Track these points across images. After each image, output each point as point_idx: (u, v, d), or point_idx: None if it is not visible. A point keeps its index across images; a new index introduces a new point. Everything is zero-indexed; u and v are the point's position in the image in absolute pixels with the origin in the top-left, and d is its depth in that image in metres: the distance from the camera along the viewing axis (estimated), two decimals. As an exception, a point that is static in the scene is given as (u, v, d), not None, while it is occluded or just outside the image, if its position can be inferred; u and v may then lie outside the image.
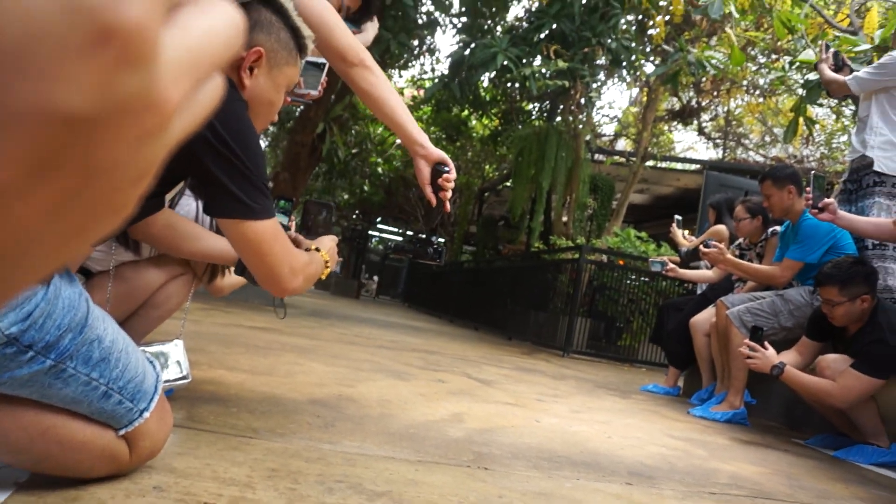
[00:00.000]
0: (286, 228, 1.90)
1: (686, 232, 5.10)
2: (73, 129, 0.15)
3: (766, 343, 2.91)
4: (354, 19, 2.31)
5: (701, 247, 3.73)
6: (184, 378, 1.71)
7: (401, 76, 13.19)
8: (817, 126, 10.85)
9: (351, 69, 1.75)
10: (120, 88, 0.16)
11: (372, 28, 2.38)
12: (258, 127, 1.22)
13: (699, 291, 4.75)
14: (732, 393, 3.30)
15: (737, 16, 7.78)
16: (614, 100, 26.83)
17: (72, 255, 0.18)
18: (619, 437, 2.26)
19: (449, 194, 1.83)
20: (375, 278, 22.25)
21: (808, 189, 2.95)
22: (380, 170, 15.68)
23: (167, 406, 1.09)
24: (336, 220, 20.35)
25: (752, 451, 2.46)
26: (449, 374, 3.23)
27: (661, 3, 9.17)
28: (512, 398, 2.74)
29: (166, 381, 1.50)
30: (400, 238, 24.03)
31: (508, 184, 12.28)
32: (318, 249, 1.41)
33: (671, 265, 4.56)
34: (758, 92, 12.00)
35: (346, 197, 17.02)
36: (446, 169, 1.77)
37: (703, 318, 3.94)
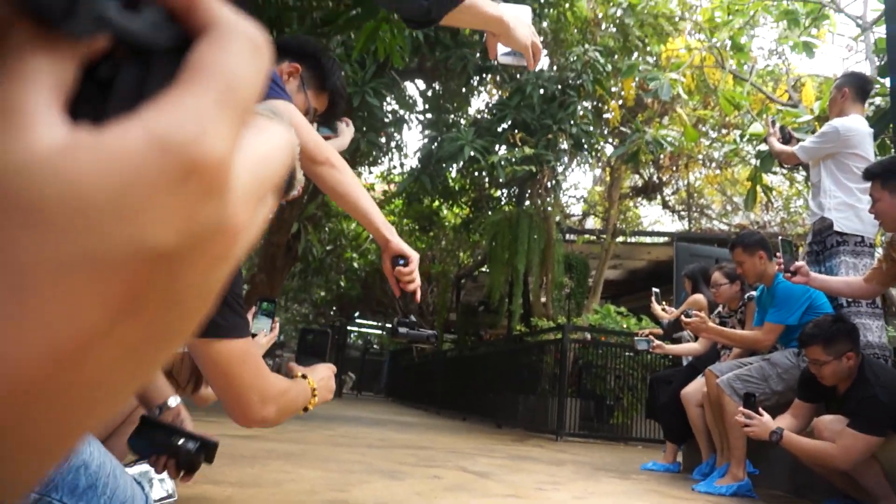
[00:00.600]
0: (269, 331, 1.87)
1: (665, 304, 5.16)
2: (161, 264, 0.16)
3: (760, 409, 2.88)
4: (323, 122, 2.39)
5: (682, 317, 3.76)
6: (169, 497, 1.62)
7: (370, 172, 13.50)
8: (774, 193, 11.30)
9: (318, 167, 1.78)
10: (202, 219, 0.16)
11: (348, 132, 2.47)
12: None
13: (685, 363, 4.74)
14: (734, 464, 3.23)
15: (685, 97, 8.27)
16: (579, 181, 27.78)
17: (133, 391, 0.18)
18: (627, 521, 2.17)
19: (412, 286, 1.84)
20: (352, 375, 21.79)
21: (777, 255, 3.03)
22: (355, 264, 15.74)
23: (157, 530, 1.02)
24: (313, 318, 20.14)
25: (763, 524, 2.38)
26: (443, 470, 3.11)
27: (613, 90, 9.73)
28: (511, 489, 2.64)
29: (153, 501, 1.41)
30: (380, 331, 23.77)
31: (484, 269, 12.40)
32: (304, 377, 1.26)
33: (657, 342, 4.57)
34: (714, 164, 12.55)
35: (322, 294, 16.95)
36: (401, 262, 1.80)
37: (694, 388, 3.91)
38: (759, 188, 7.28)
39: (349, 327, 22.56)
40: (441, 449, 4.22)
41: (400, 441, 4.59)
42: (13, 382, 0.14)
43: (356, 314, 20.35)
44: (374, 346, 26.97)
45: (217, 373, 1.01)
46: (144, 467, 1.47)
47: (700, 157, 12.20)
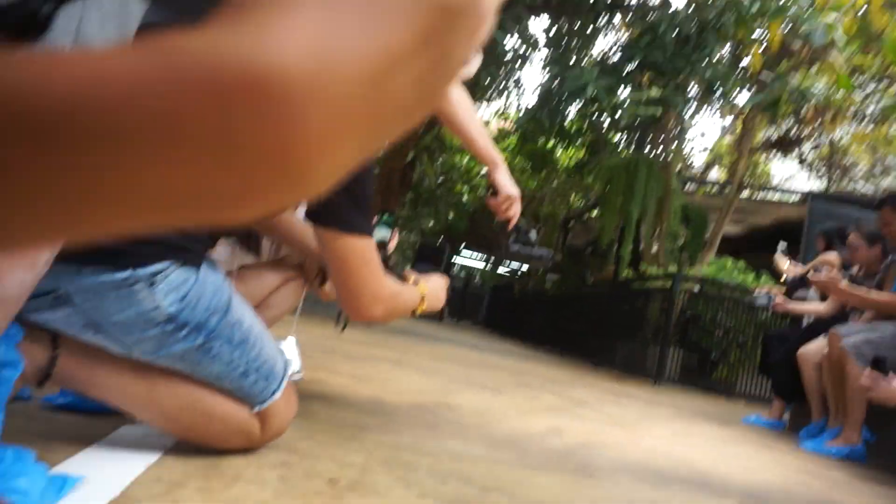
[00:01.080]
0: (384, 243, 1.96)
1: (790, 261, 4.83)
2: (449, 17, 0.21)
3: (890, 374, 2.69)
4: None
5: (811, 273, 3.53)
6: (297, 373, 1.79)
7: (487, 108, 13.37)
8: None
9: None
10: None
11: (476, 60, 2.46)
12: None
13: (805, 323, 4.47)
14: (849, 428, 3.06)
15: (841, 43, 7.41)
16: (706, 131, 25.99)
17: (415, 120, 0.22)
18: (726, 461, 2.15)
19: (504, 216, 1.90)
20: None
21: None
22: (465, 198, 15.87)
23: (293, 390, 1.15)
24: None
25: (875, 487, 2.27)
26: (541, 392, 3.19)
27: (756, 34, 8.84)
28: (608, 418, 2.67)
29: (284, 374, 1.57)
30: (483, 265, 24.04)
31: (594, 213, 12.10)
32: (416, 283, 1.35)
33: (779, 298, 4.32)
34: (867, 119, 11.30)
35: (431, 224, 17.31)
36: (492, 192, 1.85)
37: (813, 349, 3.69)
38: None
39: (454, 259, 23.02)
40: (538, 376, 4.31)
41: (498, 364, 4.73)
42: (359, 67, 0.18)
43: (462, 246, 20.66)
44: (477, 280, 27.40)
45: (340, 265, 1.08)
46: (283, 344, 1.63)
47: (851, 110, 11.02)
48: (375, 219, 1.97)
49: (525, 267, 15.79)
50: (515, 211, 1.92)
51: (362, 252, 1.08)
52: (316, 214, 1.06)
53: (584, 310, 9.37)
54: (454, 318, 22.04)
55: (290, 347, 1.80)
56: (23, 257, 0.66)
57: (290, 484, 0.97)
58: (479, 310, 23.65)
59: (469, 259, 25.28)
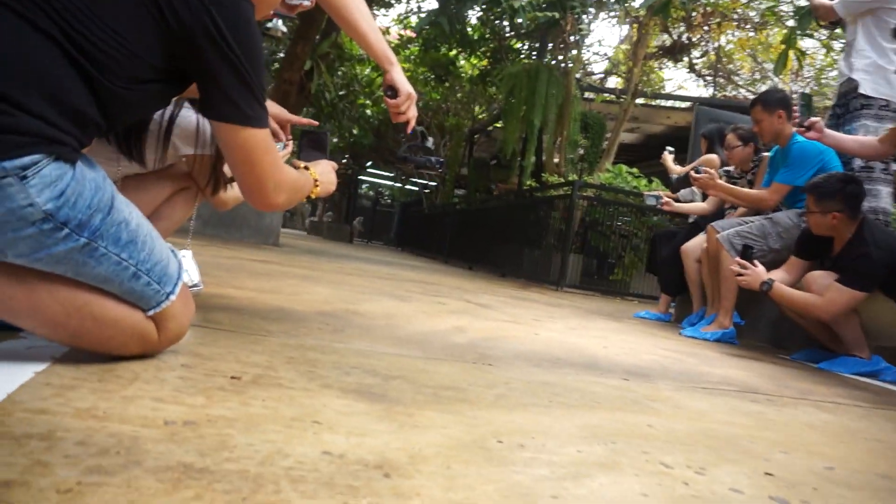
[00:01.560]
0: (283, 148, 1.92)
1: (675, 163, 5.14)
2: None
3: (755, 262, 2.99)
4: None
5: (692, 173, 3.78)
6: (196, 286, 1.76)
7: (386, 15, 12.85)
8: (807, 60, 10.76)
9: None
10: None
11: None
12: (258, 16, 1.21)
13: (690, 221, 4.82)
14: (722, 314, 3.41)
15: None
16: (604, 37, 26.30)
17: None
18: (614, 347, 2.35)
19: (402, 118, 1.91)
20: (360, 218, 22.42)
21: (795, 108, 2.98)
22: (368, 112, 15.45)
23: (189, 293, 1.13)
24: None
25: (740, 361, 2.57)
26: (448, 299, 3.30)
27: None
28: (510, 317, 2.83)
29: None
30: (391, 182, 23.88)
31: (499, 125, 12.17)
32: (307, 169, 1.40)
33: (666, 199, 4.62)
34: (749, 26, 11.82)
35: (335, 141, 16.82)
36: (389, 93, 1.84)
37: (695, 244, 4.02)
38: (791, 53, 6.93)
39: (360, 177, 22.66)
40: (447, 286, 4.44)
41: (408, 277, 4.82)
42: None
43: (368, 164, 20.33)
44: (386, 198, 27.25)
45: (242, 158, 1.10)
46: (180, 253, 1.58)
47: (735, 16, 11.46)
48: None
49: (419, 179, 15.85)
50: (413, 112, 1.91)
51: (263, 142, 1.09)
52: (215, 109, 1.04)
53: (490, 222, 9.60)
54: (365, 239, 22.03)
55: (186, 260, 1.75)
56: None
57: (191, 382, 0.98)
58: (390, 228, 23.71)
59: (377, 178, 24.98)
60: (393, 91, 1.84)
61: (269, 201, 1.17)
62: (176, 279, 1.06)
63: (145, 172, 1.69)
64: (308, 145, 1.63)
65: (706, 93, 14.23)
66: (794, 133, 3.37)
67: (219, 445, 0.73)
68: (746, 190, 3.67)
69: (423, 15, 10.24)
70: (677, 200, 4.75)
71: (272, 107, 1.72)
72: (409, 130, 2.01)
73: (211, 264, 3.06)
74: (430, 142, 1.97)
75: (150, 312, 1.03)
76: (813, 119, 2.91)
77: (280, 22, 8.99)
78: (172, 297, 1.05)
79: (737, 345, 3.29)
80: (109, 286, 0.96)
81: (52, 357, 0.99)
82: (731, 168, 4.22)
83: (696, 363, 2.26)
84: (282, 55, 8.61)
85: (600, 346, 2.32)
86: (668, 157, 4.94)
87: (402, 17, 13.33)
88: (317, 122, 1.80)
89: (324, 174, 1.46)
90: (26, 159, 0.82)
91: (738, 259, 3.04)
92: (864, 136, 3.50)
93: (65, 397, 0.81)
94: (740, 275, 3.00)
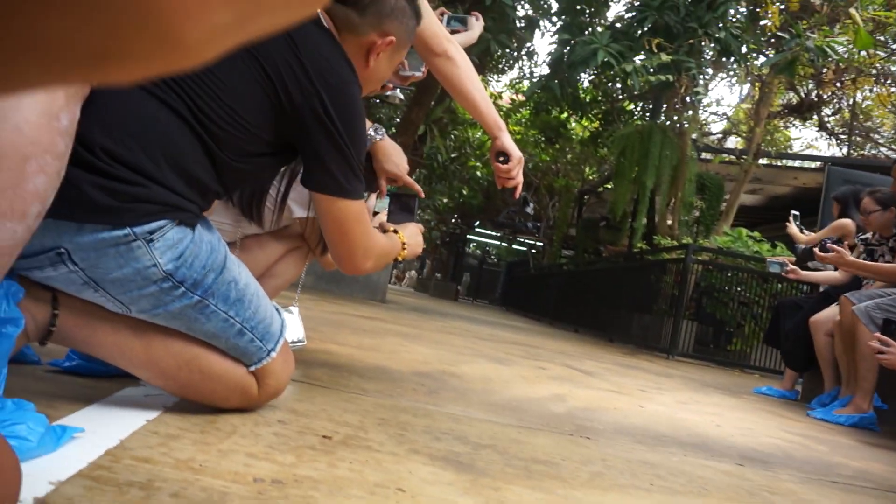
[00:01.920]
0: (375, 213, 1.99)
1: (801, 230, 4.78)
2: None
3: (898, 338, 2.68)
4: (459, 18, 2.42)
5: (816, 250, 3.50)
6: (300, 342, 1.83)
7: (499, 80, 13.25)
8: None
9: (435, 59, 1.83)
10: None
11: (477, 27, 2.46)
12: (364, 92, 1.29)
13: (821, 290, 4.43)
14: (860, 396, 3.06)
15: (862, -1, 7.21)
16: (723, 96, 25.53)
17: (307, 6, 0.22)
18: (729, 426, 2.16)
19: (511, 183, 1.92)
20: (466, 274, 22.59)
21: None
22: (478, 173, 15.80)
23: (290, 350, 1.18)
24: (435, 225, 20.71)
25: (881, 452, 2.28)
26: (549, 364, 3.22)
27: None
28: (614, 387, 2.69)
29: (286, 340, 1.61)
30: (497, 241, 24.05)
31: (609, 186, 12.00)
32: (396, 232, 1.47)
33: (791, 266, 4.29)
34: (889, 81, 10.99)
35: (444, 201, 17.29)
36: (501, 158, 1.85)
37: (826, 316, 3.67)
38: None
39: (469, 236, 23.02)
40: (549, 350, 4.34)
41: (510, 339, 4.76)
42: None
43: (476, 223, 20.65)
44: (492, 257, 27.43)
45: (335, 227, 1.18)
46: (285, 313, 1.66)
47: (873, 71, 10.71)
48: (374, 193, 2.00)
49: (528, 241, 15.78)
50: (520, 177, 1.93)
51: (356, 213, 1.17)
52: (314, 181, 1.13)
53: (598, 284, 9.35)
54: (470, 297, 22.15)
55: (292, 317, 1.84)
56: (11, 209, 0.69)
57: (284, 439, 1.00)
58: (496, 287, 23.73)
59: (484, 237, 25.27)
60: (505, 157, 1.87)
61: (357, 267, 1.25)
62: (278, 337, 1.11)
63: (263, 232, 1.81)
64: (398, 208, 1.70)
65: (839, 152, 13.28)
66: None
67: (301, 508, 0.74)
68: (884, 265, 3.33)
69: (535, 80, 10.45)
70: (805, 269, 4.39)
71: (399, 157, 1.80)
72: (516, 195, 2.03)
73: (317, 319, 3.18)
74: (530, 207, 1.98)
75: (252, 368, 1.08)
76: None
77: (398, 91, 9.54)
78: (273, 354, 1.09)
79: (878, 432, 2.92)
80: (217, 341, 1.02)
81: (164, 406, 1.06)
82: (868, 235, 3.86)
83: (826, 451, 2.03)
84: (398, 120, 9.07)
85: (713, 423, 2.14)
86: (793, 225, 4.61)
87: (514, 83, 13.70)
88: (422, 192, 1.86)
89: (411, 237, 1.51)
90: (154, 224, 0.90)
91: (877, 335, 2.74)
92: None
93: (168, 447, 0.86)
94: (881, 352, 2.69)
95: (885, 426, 3.13)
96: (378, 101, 9.39)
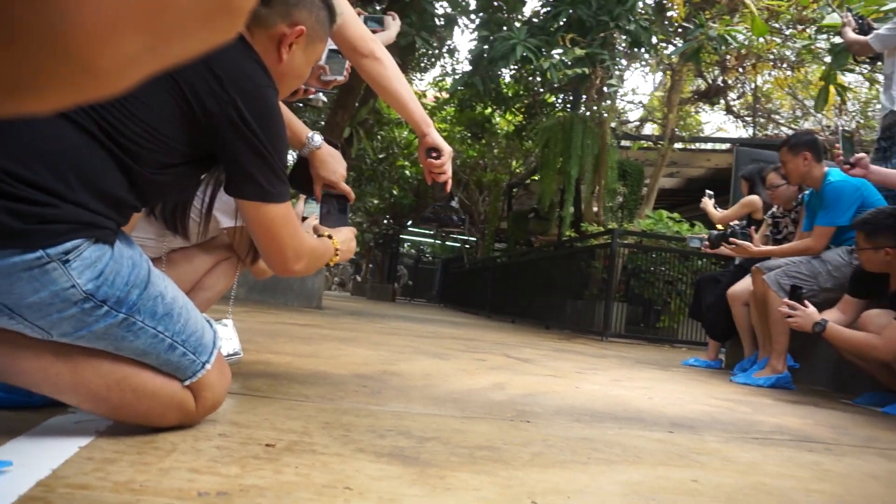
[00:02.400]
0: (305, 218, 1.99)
1: (715, 206, 5.05)
2: None
3: (805, 302, 2.89)
4: (376, 18, 2.43)
5: (724, 246, 3.75)
6: (236, 354, 1.80)
7: (422, 79, 13.30)
8: (850, 94, 10.57)
9: (362, 59, 1.84)
10: None
11: (395, 26, 2.48)
12: (283, 93, 1.28)
13: (736, 263, 4.70)
14: (774, 357, 3.27)
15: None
16: (638, 85, 26.54)
17: (218, 30, 0.23)
18: (660, 398, 2.28)
19: (443, 177, 1.96)
20: (403, 271, 22.54)
21: (837, 146, 2.93)
22: (407, 172, 15.81)
23: (225, 362, 1.17)
24: (367, 227, 20.56)
25: (797, 408, 2.45)
26: (488, 355, 3.28)
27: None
28: (551, 371, 2.78)
29: (221, 353, 1.58)
30: (431, 239, 24.13)
31: (536, 177, 12.26)
32: (330, 237, 1.49)
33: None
34: (785, 64, 11.73)
35: (375, 202, 17.20)
36: (434, 154, 1.89)
37: (741, 287, 3.90)
38: (832, 88, 6.83)
39: (402, 235, 22.98)
40: (488, 341, 4.41)
41: (448, 334, 4.81)
42: None
43: (409, 223, 20.65)
44: (427, 255, 27.49)
45: (262, 231, 1.19)
46: (220, 326, 1.63)
47: (770, 56, 11.39)
48: (303, 196, 1.99)
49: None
50: (450, 171, 1.96)
51: (282, 216, 1.18)
52: (237, 188, 1.13)
53: (532, 274, 9.56)
54: (407, 297, 22.13)
55: (227, 329, 1.81)
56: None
57: (227, 451, 1.00)
58: (433, 285, 23.80)
59: (418, 236, 25.29)
60: (437, 153, 1.89)
61: (288, 268, 1.26)
62: (211, 349, 1.10)
63: (189, 245, 1.77)
64: (332, 209, 1.71)
65: (746, 134, 14.07)
66: (827, 172, 3.31)
67: (248, 515, 0.74)
68: (791, 244, 3.57)
69: (457, 77, 10.55)
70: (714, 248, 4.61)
71: (336, 163, 1.79)
72: (447, 189, 2.06)
73: (253, 330, 3.13)
74: (454, 201, 2.02)
75: (187, 382, 1.06)
76: (858, 155, 2.84)
77: (321, 94, 9.42)
78: (208, 366, 1.08)
79: (793, 389, 3.14)
80: (147, 358, 1.00)
81: (97, 431, 1.03)
82: (774, 208, 4.13)
83: (748, 412, 2.17)
84: (322, 124, 8.97)
85: (645, 397, 2.25)
86: (708, 202, 4.87)
87: (437, 80, 13.77)
88: (353, 196, 1.86)
89: (344, 242, 1.53)
90: (68, 244, 0.88)
91: (786, 300, 2.94)
92: (911, 168, 3.40)
93: (105, 471, 0.84)
94: (790, 316, 2.89)
95: (799, 384, 3.37)
96: (301, 104, 9.23)
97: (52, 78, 0.19)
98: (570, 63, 7.78)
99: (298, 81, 1.32)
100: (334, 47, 2.17)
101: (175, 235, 1.71)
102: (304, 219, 1.92)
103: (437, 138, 1.92)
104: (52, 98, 0.20)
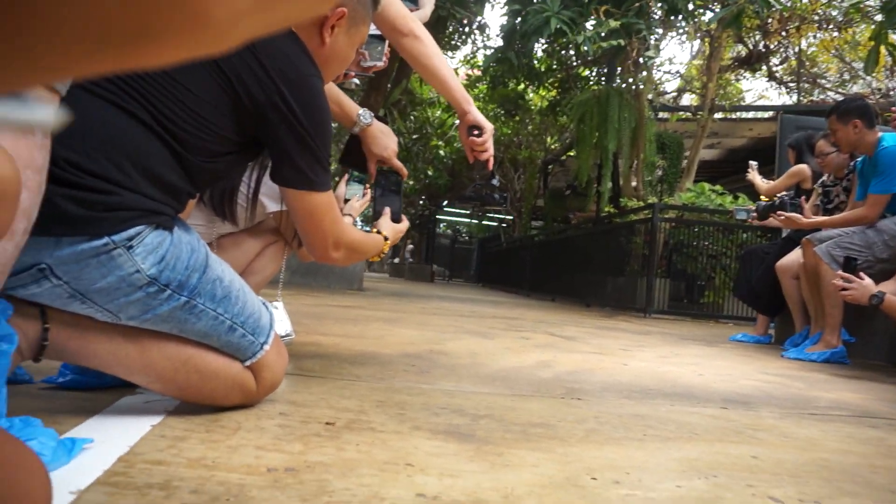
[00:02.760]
0: (361, 196, 2.00)
1: (762, 178, 4.90)
2: None
3: (860, 274, 2.79)
4: None
5: (772, 218, 3.64)
6: (288, 335, 1.84)
7: (453, 57, 13.16)
8: (903, 55, 10.08)
9: (402, 39, 1.83)
10: None
11: (429, 3, 2.46)
12: (328, 77, 1.29)
13: (783, 235, 4.57)
14: (828, 331, 3.19)
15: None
16: (675, 55, 25.77)
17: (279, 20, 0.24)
18: (710, 374, 2.24)
19: (485, 155, 1.93)
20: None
21: (893, 109, 2.80)
22: (442, 153, 15.76)
23: (282, 343, 1.19)
24: (404, 207, 20.65)
25: (853, 383, 2.39)
26: (532, 333, 3.28)
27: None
28: (597, 349, 2.77)
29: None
30: (467, 219, 24.10)
31: (572, 153, 12.09)
32: (385, 236, 1.54)
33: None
34: (832, 26, 11.24)
35: (411, 183, 17.23)
36: (476, 132, 1.86)
37: (790, 260, 3.80)
38: (882, 48, 6.53)
39: (438, 216, 23.01)
40: (530, 320, 4.41)
41: (490, 313, 4.82)
42: None
43: (444, 203, 20.65)
44: (464, 235, 27.49)
45: (305, 219, 1.21)
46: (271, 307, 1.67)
47: (815, 17, 10.93)
48: (346, 176, 2.01)
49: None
50: (492, 148, 1.95)
51: (325, 204, 1.19)
52: (281, 175, 1.14)
53: (570, 252, 9.48)
54: (445, 277, 22.22)
55: (278, 311, 1.84)
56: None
57: (289, 430, 1.02)
58: (469, 265, 23.82)
59: (454, 216, 25.28)
60: (479, 130, 1.87)
61: (328, 255, 1.28)
62: (268, 330, 1.13)
63: (238, 231, 1.80)
64: (385, 188, 1.72)
65: (790, 100, 13.57)
66: (881, 138, 3.18)
67: (318, 490, 0.76)
68: (842, 215, 3.45)
69: (489, 53, 10.43)
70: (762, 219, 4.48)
71: (387, 139, 1.82)
72: (490, 167, 2.04)
73: (300, 313, 3.19)
74: (496, 179, 2.00)
75: (248, 363, 1.09)
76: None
77: (355, 77, 9.43)
78: (266, 347, 1.11)
79: (848, 364, 3.06)
80: (209, 340, 1.03)
81: (167, 410, 1.07)
82: (824, 177, 3.99)
83: (802, 387, 2.12)
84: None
85: (695, 373, 2.22)
86: (755, 174, 4.73)
87: (468, 58, 13.64)
88: (406, 172, 1.87)
89: (395, 236, 1.60)
90: (131, 231, 0.91)
91: (840, 272, 2.85)
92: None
93: (178, 448, 0.87)
94: (845, 289, 2.80)
95: (855, 358, 3.28)
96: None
97: (169, 25, 0.20)
98: (604, 35, 7.60)
99: (343, 65, 1.32)
100: (373, 32, 2.17)
101: (224, 221, 1.75)
102: (345, 201, 1.95)
103: (478, 116, 1.90)
104: (168, 48, 0.21)
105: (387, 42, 2.21)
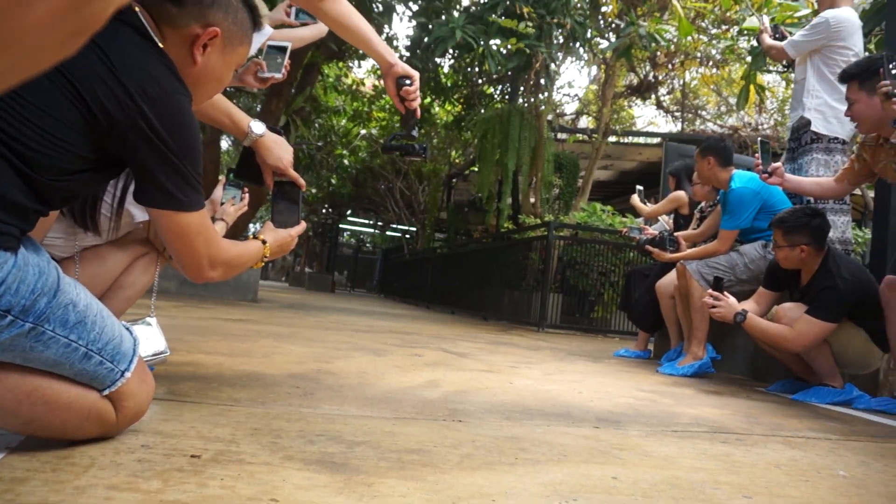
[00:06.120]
0: (238, 200, 1.94)
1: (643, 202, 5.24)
2: None
3: (726, 293, 3.04)
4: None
5: (648, 247, 3.95)
6: (162, 353, 1.75)
7: (360, 67, 13.10)
8: (769, 93, 11.13)
9: (320, 3, 1.79)
10: None
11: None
12: (201, 100, 1.24)
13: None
14: (695, 344, 3.45)
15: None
16: (574, 79, 27.08)
17: (61, 53, 0.26)
18: (589, 392, 2.36)
19: (415, 103, 1.91)
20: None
21: (756, 156, 3.09)
22: (346, 162, 15.61)
23: (147, 369, 1.14)
24: (306, 215, 20.22)
25: (715, 398, 2.59)
26: (425, 350, 3.30)
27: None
28: (486, 366, 2.83)
29: (145, 358, 1.54)
30: (372, 229, 23.94)
31: (475, 168, 12.36)
32: (263, 241, 1.45)
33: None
34: (711, 63, 12.22)
35: (313, 191, 16.91)
36: (407, 82, 1.85)
37: (668, 280, 4.08)
38: (752, 87, 7.18)
39: (341, 225, 22.72)
40: (426, 335, 4.44)
41: (387, 328, 4.81)
42: None
43: (348, 212, 20.43)
44: (367, 245, 27.31)
45: (175, 239, 1.15)
46: (133, 328, 1.58)
47: (697, 54, 11.85)
48: (223, 179, 1.96)
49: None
50: (419, 96, 1.93)
51: (196, 224, 1.14)
52: (147, 197, 1.08)
53: (470, 265, 9.65)
54: (347, 287, 21.94)
55: (151, 328, 1.75)
56: None
57: (148, 465, 0.98)
58: (373, 275, 23.68)
59: (357, 226, 25.05)
60: (409, 79, 1.85)
61: (203, 276, 1.22)
62: (131, 356, 1.07)
63: (102, 243, 1.70)
64: (282, 199, 1.67)
65: (676, 128, 14.61)
66: (732, 177, 3.54)
67: (168, 535, 0.73)
68: (699, 248, 3.84)
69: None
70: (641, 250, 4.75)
71: (281, 150, 1.75)
72: (418, 115, 2.01)
73: (184, 328, 3.04)
74: (414, 130, 1.97)
75: (106, 392, 1.03)
76: (774, 165, 3.01)
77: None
78: (128, 374, 1.05)
79: (713, 373, 3.31)
80: (60, 369, 0.97)
81: (8, 447, 0.98)
82: (702, 204, 4.33)
83: (670, 403, 2.28)
84: (258, 111, 8.76)
85: (575, 391, 2.33)
86: (636, 199, 5.05)
87: (376, 69, 13.61)
88: (303, 184, 1.81)
89: (278, 243, 1.50)
90: None
91: (710, 291, 3.09)
92: (815, 168, 3.63)
93: (14, 492, 0.81)
94: (714, 307, 3.04)
95: (721, 373, 3.56)
96: (234, 89, 8.96)
97: None
98: (508, 53, 7.86)
99: (218, 85, 1.27)
100: (275, 44, 2.12)
101: (86, 232, 1.64)
102: (221, 204, 1.89)
103: (404, 66, 1.88)
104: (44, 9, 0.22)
105: (287, 53, 2.17)
